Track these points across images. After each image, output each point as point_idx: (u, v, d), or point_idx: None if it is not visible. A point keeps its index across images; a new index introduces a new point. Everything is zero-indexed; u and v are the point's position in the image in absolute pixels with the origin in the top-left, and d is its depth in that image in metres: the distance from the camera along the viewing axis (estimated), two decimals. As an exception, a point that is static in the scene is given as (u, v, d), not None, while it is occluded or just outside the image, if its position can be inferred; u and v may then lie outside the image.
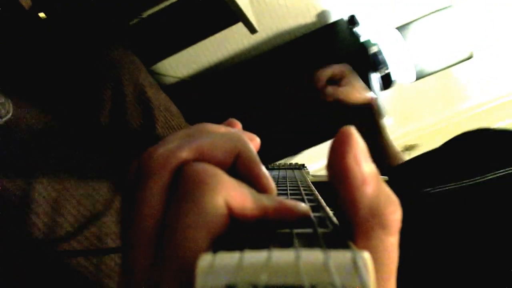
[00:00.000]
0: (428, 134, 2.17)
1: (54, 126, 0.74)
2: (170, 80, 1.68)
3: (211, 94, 1.52)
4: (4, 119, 0.64)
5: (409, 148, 2.19)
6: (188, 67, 1.70)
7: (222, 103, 1.44)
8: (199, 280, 0.17)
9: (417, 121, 2.17)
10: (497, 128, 0.66)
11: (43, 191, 0.58)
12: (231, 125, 0.34)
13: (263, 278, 0.16)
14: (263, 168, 0.25)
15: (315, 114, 1.17)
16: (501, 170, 0.48)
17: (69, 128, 0.78)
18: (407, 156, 2.26)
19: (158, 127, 0.83)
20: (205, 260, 0.17)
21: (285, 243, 0.19)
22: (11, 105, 0.66)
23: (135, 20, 1.23)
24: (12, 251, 0.54)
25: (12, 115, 0.65)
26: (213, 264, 0.17)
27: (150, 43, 1.21)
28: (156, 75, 1.58)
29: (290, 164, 0.69)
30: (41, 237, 0.55)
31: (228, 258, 0.17)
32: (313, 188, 0.35)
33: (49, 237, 0.55)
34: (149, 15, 1.25)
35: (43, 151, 0.65)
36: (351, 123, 0.26)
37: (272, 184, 0.24)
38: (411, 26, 1.58)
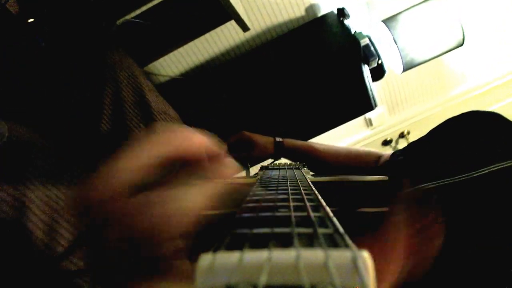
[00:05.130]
0: (420, 121, 2.19)
1: (47, 147, 0.73)
2: (161, 79, 1.67)
3: (203, 91, 1.51)
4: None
5: (403, 135, 2.21)
6: (180, 66, 1.69)
7: (215, 99, 1.43)
8: (199, 280, 0.17)
9: (409, 109, 2.19)
10: (480, 112, 0.65)
11: (39, 204, 0.57)
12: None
13: (263, 278, 0.16)
14: None
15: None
16: (496, 165, 0.48)
17: (66, 143, 0.77)
18: (402, 143, 2.28)
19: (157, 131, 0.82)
20: (205, 260, 0.17)
21: (285, 242, 0.19)
22: (6, 127, 0.66)
23: (126, 18, 1.20)
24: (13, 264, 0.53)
25: (7, 138, 0.65)
26: (213, 264, 0.17)
27: (143, 43, 1.20)
28: (148, 75, 1.57)
29: (290, 164, 0.69)
30: (41, 249, 0.54)
31: (228, 258, 0.17)
32: (313, 187, 0.35)
33: (49, 251, 0.54)
34: (140, 15, 1.23)
35: (38, 167, 0.65)
36: None
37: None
38: (401, 17, 1.58)
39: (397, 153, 0.77)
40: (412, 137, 2.23)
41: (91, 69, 0.82)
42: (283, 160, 0.86)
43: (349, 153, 0.88)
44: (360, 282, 0.15)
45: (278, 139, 0.86)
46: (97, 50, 0.88)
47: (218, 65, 1.71)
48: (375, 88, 1.90)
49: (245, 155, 0.83)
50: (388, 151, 2.43)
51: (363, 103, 1.44)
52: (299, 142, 0.87)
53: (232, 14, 0.94)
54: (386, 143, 2.27)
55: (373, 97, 1.44)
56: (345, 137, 2.25)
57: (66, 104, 0.81)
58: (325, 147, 0.88)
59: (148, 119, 0.83)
